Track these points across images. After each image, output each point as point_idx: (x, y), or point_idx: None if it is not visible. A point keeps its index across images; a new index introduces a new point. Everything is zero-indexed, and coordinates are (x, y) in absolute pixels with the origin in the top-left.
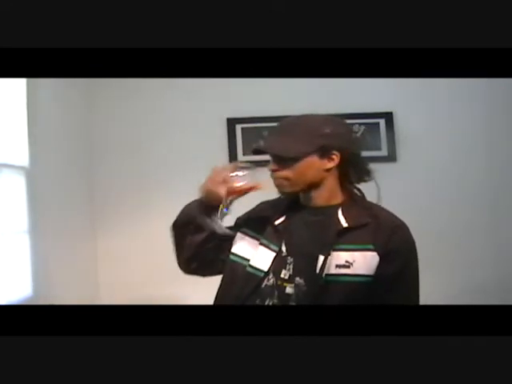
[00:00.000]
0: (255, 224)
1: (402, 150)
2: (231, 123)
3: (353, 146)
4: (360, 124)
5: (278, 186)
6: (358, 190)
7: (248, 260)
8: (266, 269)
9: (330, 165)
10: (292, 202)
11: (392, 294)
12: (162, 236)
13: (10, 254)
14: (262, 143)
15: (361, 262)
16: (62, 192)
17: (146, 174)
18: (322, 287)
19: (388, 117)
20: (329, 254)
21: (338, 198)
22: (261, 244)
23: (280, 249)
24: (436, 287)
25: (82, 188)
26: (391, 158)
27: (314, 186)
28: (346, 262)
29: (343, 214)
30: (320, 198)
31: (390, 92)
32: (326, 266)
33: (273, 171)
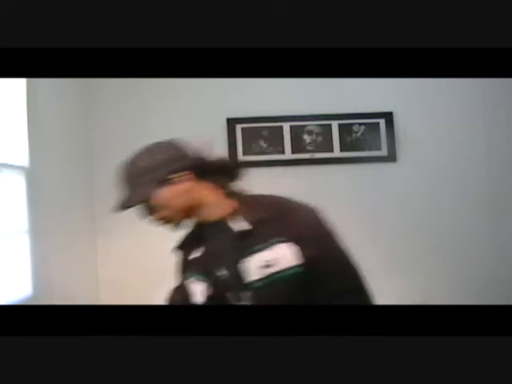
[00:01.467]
0: (182, 267)
1: (401, 150)
2: (231, 123)
3: (193, 161)
4: (360, 124)
5: (166, 226)
6: (240, 191)
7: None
8: (203, 300)
9: (186, 185)
10: (195, 231)
11: (330, 273)
12: (161, 236)
13: (9, 253)
14: (121, 202)
15: (281, 255)
16: (61, 192)
17: None
18: (260, 293)
19: (388, 117)
20: (248, 260)
21: (228, 206)
22: (191, 282)
23: (207, 277)
24: (436, 287)
25: (82, 188)
26: (391, 157)
27: (196, 208)
28: (267, 261)
29: (241, 218)
30: (212, 213)
31: (390, 92)
32: (252, 271)
33: (147, 219)
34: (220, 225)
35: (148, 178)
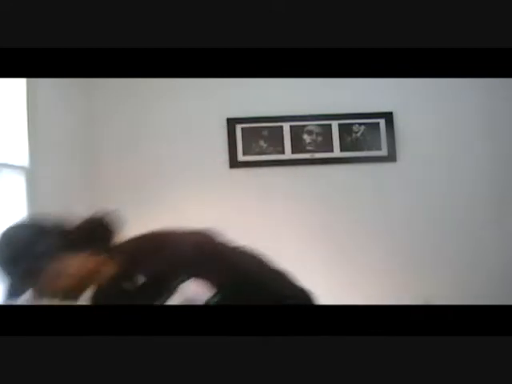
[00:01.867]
0: None
1: (401, 150)
2: (231, 123)
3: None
4: (360, 124)
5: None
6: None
7: None
8: None
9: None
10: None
11: (259, 285)
12: None
13: None
14: None
15: (191, 295)
16: (61, 192)
17: (146, 173)
18: None
19: (388, 117)
20: None
21: (109, 267)
22: None
23: None
24: (436, 287)
25: (82, 188)
26: (391, 158)
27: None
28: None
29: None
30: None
31: (390, 92)
32: None
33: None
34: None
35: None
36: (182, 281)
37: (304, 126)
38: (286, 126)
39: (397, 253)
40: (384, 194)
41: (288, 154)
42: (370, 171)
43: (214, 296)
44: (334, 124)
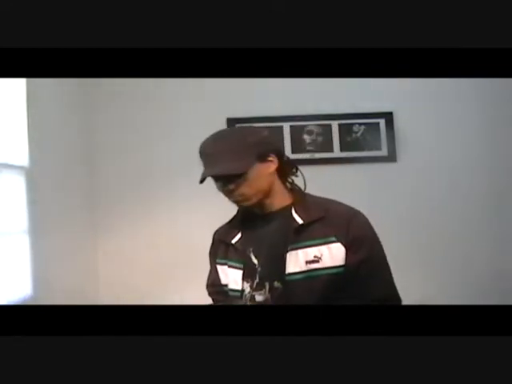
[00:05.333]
0: (220, 251)
1: (401, 150)
2: (231, 123)
3: (279, 145)
4: (360, 124)
5: (235, 202)
6: (299, 187)
7: (226, 285)
8: (239, 287)
9: (272, 168)
10: (244, 215)
11: (371, 279)
12: (162, 236)
13: (9, 253)
14: (205, 172)
15: (328, 254)
16: (62, 192)
17: (146, 173)
18: (297, 285)
19: (388, 117)
20: (294, 251)
21: (287, 198)
22: (229, 267)
23: (245, 264)
24: (436, 287)
25: (83, 188)
26: (391, 157)
27: (267, 192)
28: (315, 256)
29: (297, 212)
30: (273, 202)
31: (390, 92)
32: (298, 263)
33: (229, 192)
34: (278, 215)
35: (252, 152)
36: (331, 241)
37: (304, 125)
38: (286, 126)
39: (396, 252)
40: (384, 194)
41: (288, 154)
42: (370, 171)
43: (340, 267)
44: (334, 124)
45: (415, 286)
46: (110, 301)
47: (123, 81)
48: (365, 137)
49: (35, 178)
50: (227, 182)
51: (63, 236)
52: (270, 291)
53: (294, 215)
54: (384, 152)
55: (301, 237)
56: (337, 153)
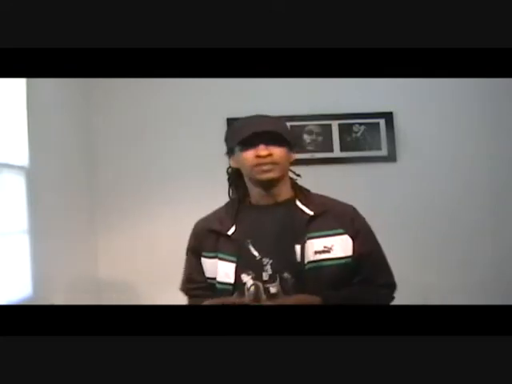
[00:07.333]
0: (207, 244)
1: (401, 150)
2: (231, 123)
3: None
4: (360, 124)
5: (265, 171)
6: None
7: (213, 279)
8: (231, 280)
9: (292, 158)
10: (237, 207)
11: (374, 267)
12: (162, 236)
13: (9, 254)
14: (256, 127)
15: (338, 245)
16: (61, 192)
17: (146, 173)
18: (307, 275)
19: (388, 117)
20: (305, 243)
21: (291, 191)
22: (220, 259)
23: (241, 257)
24: (436, 287)
25: (82, 188)
26: (391, 158)
27: (283, 176)
28: (325, 247)
29: (303, 204)
30: (281, 190)
31: (390, 92)
32: (306, 254)
33: (265, 156)
34: (282, 206)
35: (291, 135)
36: (340, 233)
37: (304, 125)
38: None
39: (396, 252)
40: (384, 193)
41: None
42: (370, 171)
43: (348, 258)
44: (334, 124)
45: (415, 285)
46: (109, 301)
47: (123, 81)
48: (365, 137)
49: (35, 178)
50: (270, 142)
51: (63, 236)
52: (280, 282)
53: (302, 207)
54: (384, 152)
55: (310, 228)
56: (337, 153)
